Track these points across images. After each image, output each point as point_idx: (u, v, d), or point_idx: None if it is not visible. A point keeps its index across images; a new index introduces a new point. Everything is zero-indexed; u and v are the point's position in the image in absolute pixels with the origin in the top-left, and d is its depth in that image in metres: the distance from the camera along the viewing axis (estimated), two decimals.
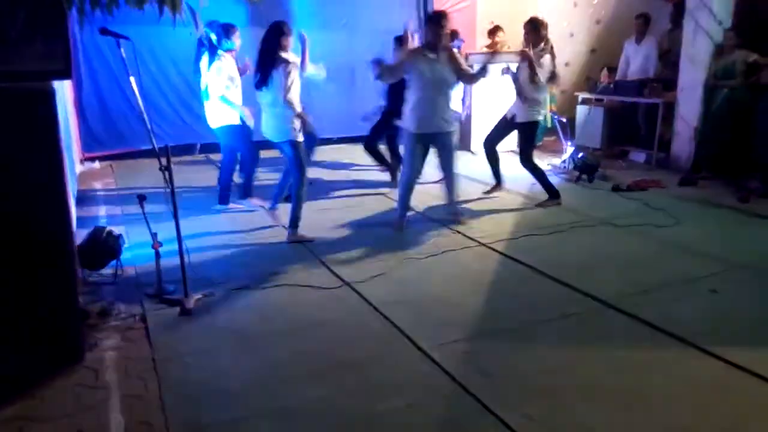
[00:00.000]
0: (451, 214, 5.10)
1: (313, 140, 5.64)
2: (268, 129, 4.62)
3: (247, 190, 5.48)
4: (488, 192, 5.94)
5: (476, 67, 5.00)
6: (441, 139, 4.77)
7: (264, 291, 3.71)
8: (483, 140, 5.92)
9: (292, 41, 4.52)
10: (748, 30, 6.57)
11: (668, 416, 2.45)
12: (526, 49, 5.29)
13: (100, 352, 2.98)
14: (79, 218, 5.05)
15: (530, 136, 5.61)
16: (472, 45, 8.79)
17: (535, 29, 5.33)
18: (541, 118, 5.61)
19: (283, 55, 4.43)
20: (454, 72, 4.67)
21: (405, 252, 4.37)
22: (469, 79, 4.87)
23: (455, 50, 4.83)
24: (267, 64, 4.42)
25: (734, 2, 6.67)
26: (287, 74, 4.37)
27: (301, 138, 4.54)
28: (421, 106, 4.64)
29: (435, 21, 4.67)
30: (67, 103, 6.38)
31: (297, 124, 4.49)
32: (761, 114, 5.98)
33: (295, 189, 4.60)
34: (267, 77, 4.43)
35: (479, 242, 4.57)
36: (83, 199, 5.87)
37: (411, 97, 4.70)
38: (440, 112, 4.67)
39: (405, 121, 4.79)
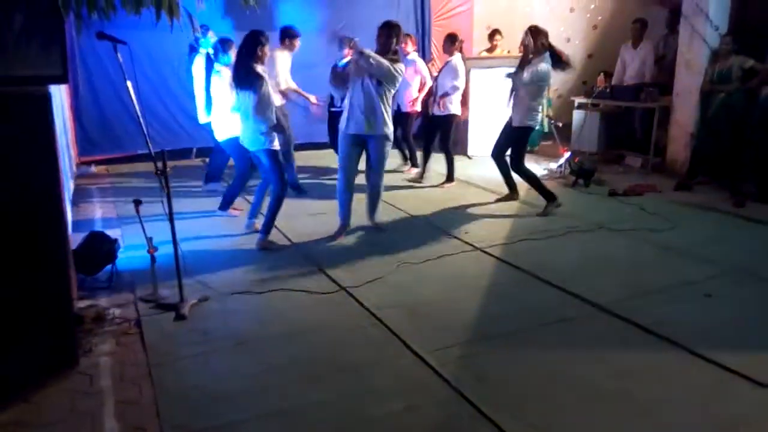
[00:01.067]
0: (373, 225, 5.04)
1: (287, 146, 5.75)
2: (244, 138, 4.61)
3: (227, 202, 5.45)
4: (501, 200, 5.86)
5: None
6: (370, 142, 4.71)
7: (260, 296, 3.71)
8: (491, 151, 5.80)
9: (268, 51, 4.47)
10: (745, 35, 6.61)
11: (663, 420, 2.45)
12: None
13: (94, 357, 2.98)
14: (74, 222, 5.05)
15: (522, 142, 5.61)
16: (469, 50, 8.81)
17: (533, 36, 5.31)
18: (536, 124, 5.60)
19: (258, 68, 4.37)
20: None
21: (401, 257, 4.37)
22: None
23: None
24: (240, 77, 4.40)
25: (730, 8, 6.71)
26: (258, 91, 4.33)
27: (277, 146, 4.51)
28: (352, 108, 4.62)
29: (383, 29, 4.63)
30: (64, 107, 6.38)
31: (272, 132, 4.47)
32: (756, 120, 6.00)
33: (274, 197, 4.58)
34: (240, 90, 4.44)
35: (475, 247, 4.57)
36: (79, 202, 5.86)
37: (347, 99, 4.69)
38: (368, 114, 4.57)
39: (341, 121, 4.77)
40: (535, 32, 5.31)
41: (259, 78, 4.35)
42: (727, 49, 6.31)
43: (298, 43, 6.33)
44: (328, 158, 7.80)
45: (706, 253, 4.37)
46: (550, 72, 5.34)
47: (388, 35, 4.61)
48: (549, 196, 5.56)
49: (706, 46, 6.61)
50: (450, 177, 6.58)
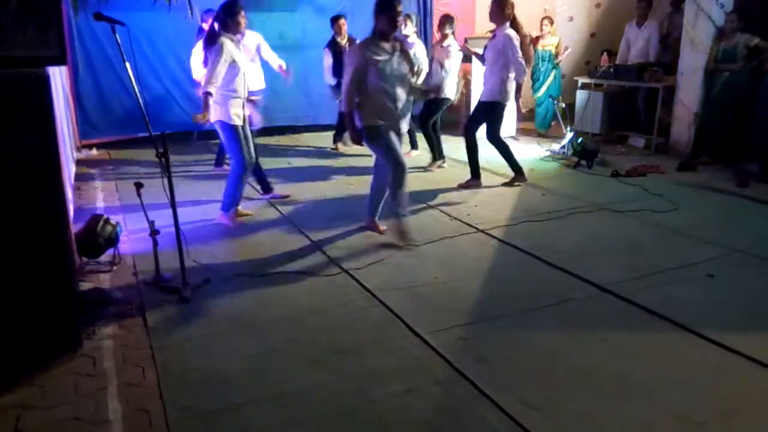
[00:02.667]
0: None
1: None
2: None
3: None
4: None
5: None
6: None
7: (262, 278, 3.71)
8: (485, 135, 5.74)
9: (241, 20, 4.36)
10: (750, 13, 6.51)
11: (665, 401, 2.46)
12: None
13: (97, 340, 2.99)
14: (76, 206, 5.05)
15: (494, 117, 5.59)
16: (472, 30, 8.73)
17: (499, 7, 5.26)
18: (505, 101, 5.50)
19: (222, 36, 4.28)
20: None
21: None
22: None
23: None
24: (206, 44, 4.37)
25: None
26: (213, 56, 4.26)
27: (236, 121, 4.44)
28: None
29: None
30: (65, 89, 6.34)
31: (234, 107, 4.41)
32: (761, 99, 5.94)
33: (231, 174, 4.58)
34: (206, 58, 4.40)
35: (477, 228, 4.57)
36: (81, 186, 5.85)
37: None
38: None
39: None
40: (502, 3, 5.25)
41: (216, 44, 4.25)
42: (732, 27, 6.24)
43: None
44: (328, 139, 7.77)
45: (708, 233, 4.35)
46: (513, 39, 5.23)
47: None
48: (518, 169, 5.67)
49: (711, 24, 6.53)
50: (434, 156, 6.58)
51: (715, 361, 2.75)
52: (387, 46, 4.00)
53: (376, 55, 3.95)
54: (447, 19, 6.39)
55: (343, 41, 6.97)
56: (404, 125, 4.23)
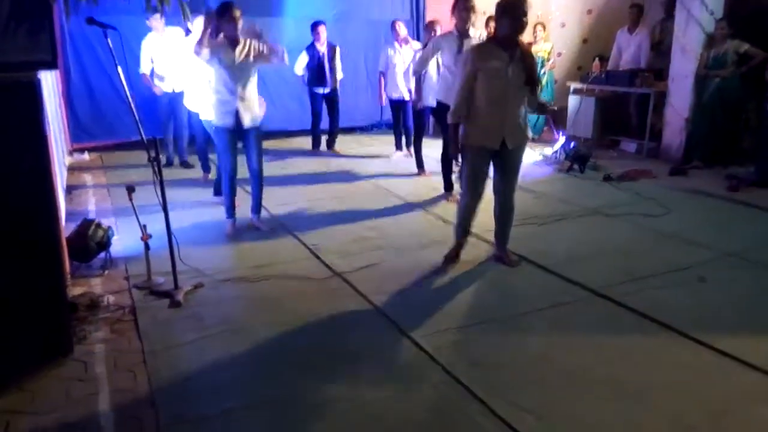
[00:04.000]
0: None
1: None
2: None
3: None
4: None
5: None
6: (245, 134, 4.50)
7: (254, 282, 3.71)
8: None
9: (237, 24, 4.25)
10: (740, 20, 6.58)
11: (656, 403, 2.47)
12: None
13: (89, 344, 2.97)
14: (68, 210, 5.03)
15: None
16: None
17: (465, 9, 4.98)
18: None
19: (216, 40, 4.27)
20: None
21: (397, 243, 4.37)
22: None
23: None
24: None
25: None
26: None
27: (216, 121, 4.42)
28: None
29: None
30: (57, 93, 6.32)
31: (219, 107, 4.38)
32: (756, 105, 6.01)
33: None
34: None
35: (470, 232, 4.56)
36: (73, 190, 5.83)
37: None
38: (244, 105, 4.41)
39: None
40: (469, 5, 4.97)
41: (198, 47, 4.22)
42: (722, 34, 6.30)
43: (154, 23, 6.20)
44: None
45: (700, 237, 4.38)
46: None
47: None
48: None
49: (701, 30, 6.59)
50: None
51: (706, 364, 2.76)
52: (504, 54, 3.57)
53: (490, 62, 3.57)
54: (428, 25, 6.36)
55: (322, 48, 7.13)
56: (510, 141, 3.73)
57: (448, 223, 4.79)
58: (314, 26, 7.12)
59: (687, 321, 3.10)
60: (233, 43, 4.29)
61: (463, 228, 4.00)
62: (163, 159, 6.93)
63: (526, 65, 3.60)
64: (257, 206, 4.72)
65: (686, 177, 6.23)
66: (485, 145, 3.70)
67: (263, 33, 4.47)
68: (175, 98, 6.46)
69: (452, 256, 4.00)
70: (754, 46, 6.16)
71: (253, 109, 4.44)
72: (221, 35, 4.29)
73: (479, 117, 3.68)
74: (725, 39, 6.28)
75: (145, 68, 6.58)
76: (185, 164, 6.83)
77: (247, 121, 4.41)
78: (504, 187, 3.90)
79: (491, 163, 3.83)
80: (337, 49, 7.28)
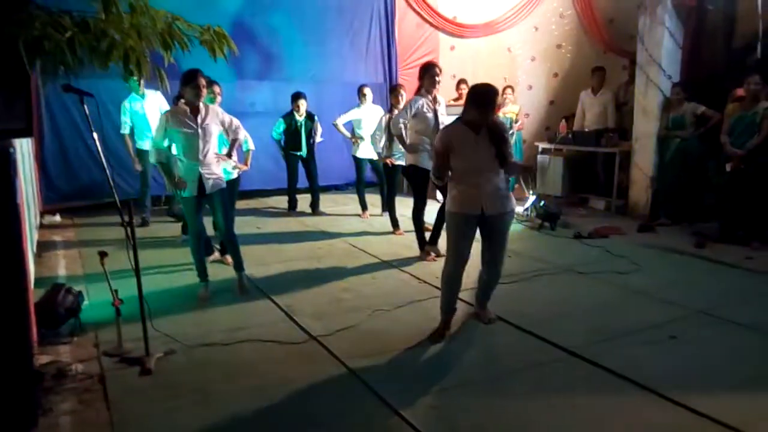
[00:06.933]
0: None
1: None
2: None
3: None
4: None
5: None
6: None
7: (228, 347, 3.64)
8: None
9: (199, 90, 4.25)
10: (696, 83, 6.94)
11: None
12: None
13: (54, 417, 2.86)
14: (38, 274, 4.92)
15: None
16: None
17: (435, 75, 5.32)
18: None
19: (175, 108, 4.36)
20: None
21: (373, 303, 4.36)
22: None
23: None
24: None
25: (681, 58, 7.07)
26: (160, 125, 4.33)
27: (179, 191, 4.41)
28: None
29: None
30: (30, 155, 6.29)
31: (182, 174, 4.37)
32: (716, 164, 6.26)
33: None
34: None
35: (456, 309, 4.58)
36: (43, 253, 5.72)
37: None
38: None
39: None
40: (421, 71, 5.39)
41: (166, 114, 4.35)
42: (677, 98, 6.63)
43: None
44: (300, 203, 7.82)
45: (670, 295, 4.46)
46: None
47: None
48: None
49: (660, 93, 6.92)
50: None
51: (680, 424, 2.77)
52: (472, 133, 3.67)
53: (459, 141, 3.68)
54: (393, 89, 6.57)
55: (301, 118, 7.32)
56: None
57: (423, 283, 4.82)
58: (295, 98, 7.29)
59: (662, 381, 3.12)
60: (195, 110, 4.32)
61: (449, 302, 3.89)
62: (138, 220, 6.90)
63: (495, 138, 3.67)
64: (237, 264, 4.70)
65: (654, 233, 6.40)
66: (466, 213, 3.73)
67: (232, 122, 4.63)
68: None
69: (439, 335, 3.80)
70: (710, 108, 6.48)
71: (215, 174, 4.46)
72: (182, 101, 4.34)
73: (457, 185, 3.77)
74: (682, 102, 6.61)
75: (125, 129, 6.67)
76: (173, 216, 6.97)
77: (210, 188, 4.42)
78: (490, 257, 3.88)
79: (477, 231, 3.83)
80: (316, 118, 7.46)
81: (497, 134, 3.69)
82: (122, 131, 6.75)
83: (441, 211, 5.47)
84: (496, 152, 3.66)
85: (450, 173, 3.77)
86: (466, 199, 3.72)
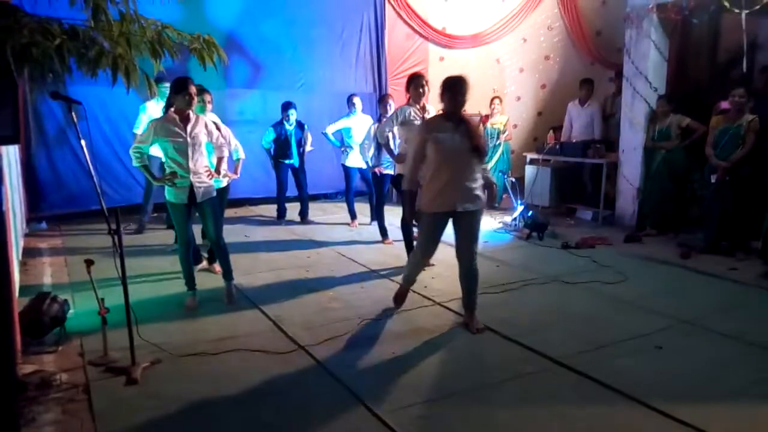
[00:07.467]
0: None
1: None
2: None
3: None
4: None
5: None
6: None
7: (215, 357, 3.62)
8: None
9: (190, 98, 4.26)
10: (682, 96, 7.04)
11: None
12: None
13: (37, 427, 2.83)
14: (23, 282, 4.87)
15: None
16: None
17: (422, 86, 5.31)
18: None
19: (165, 116, 4.32)
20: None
21: (362, 313, 4.35)
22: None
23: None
24: None
25: (667, 71, 7.17)
26: (148, 133, 4.30)
27: (169, 197, 4.41)
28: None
29: None
30: (17, 162, 6.23)
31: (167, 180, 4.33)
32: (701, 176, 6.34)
33: None
34: None
35: (434, 301, 4.60)
36: (29, 261, 5.66)
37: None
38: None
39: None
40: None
41: (154, 122, 4.34)
42: (662, 111, 6.72)
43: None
44: (291, 212, 7.80)
45: (655, 304, 4.50)
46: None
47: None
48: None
49: (647, 105, 7.00)
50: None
51: None
52: (450, 125, 3.94)
53: (438, 132, 3.93)
54: (382, 99, 6.57)
55: (291, 128, 7.32)
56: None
57: (412, 292, 4.81)
58: (285, 107, 7.29)
59: (648, 391, 3.14)
60: (184, 119, 4.32)
61: (411, 280, 4.47)
62: (132, 226, 6.85)
63: (470, 135, 3.94)
64: (226, 273, 4.68)
65: (641, 244, 6.46)
66: (439, 210, 3.99)
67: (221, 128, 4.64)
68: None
69: (400, 299, 4.46)
70: (695, 121, 6.57)
71: (205, 183, 4.45)
72: (171, 109, 4.33)
73: (431, 182, 3.99)
74: (667, 114, 6.69)
75: (138, 129, 6.57)
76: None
77: (200, 197, 4.40)
78: (463, 251, 4.08)
79: (451, 227, 4.10)
80: (306, 127, 7.47)
81: (472, 130, 4.00)
82: (135, 129, 6.61)
83: (405, 223, 5.52)
84: (471, 147, 3.91)
85: (424, 173, 4.02)
86: (441, 197, 3.97)
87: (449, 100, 3.95)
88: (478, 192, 4.01)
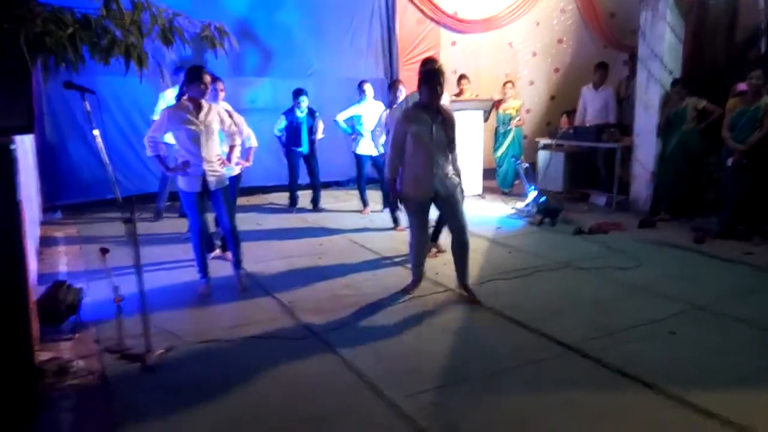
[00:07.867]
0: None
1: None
2: None
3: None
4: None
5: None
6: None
7: (228, 344, 3.65)
8: None
9: (204, 87, 4.25)
10: (698, 78, 6.92)
11: None
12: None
13: (55, 413, 2.88)
14: (40, 271, 4.94)
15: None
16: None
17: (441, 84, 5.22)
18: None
19: (178, 104, 4.34)
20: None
21: (372, 299, 4.37)
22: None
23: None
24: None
25: (683, 53, 7.05)
26: (161, 122, 4.33)
27: (182, 186, 4.41)
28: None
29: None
30: (33, 151, 6.30)
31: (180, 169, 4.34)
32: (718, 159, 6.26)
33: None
34: None
35: (446, 287, 4.60)
36: (45, 250, 5.74)
37: None
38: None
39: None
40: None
41: (165, 111, 4.37)
42: (676, 96, 6.61)
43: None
44: (302, 200, 7.83)
45: (670, 290, 4.47)
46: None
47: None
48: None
49: (662, 88, 6.90)
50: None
51: (682, 421, 2.78)
52: (428, 117, 4.11)
53: (417, 123, 4.12)
54: (392, 85, 6.51)
55: (302, 115, 7.28)
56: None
57: (425, 279, 4.81)
58: (296, 94, 7.25)
59: (661, 377, 3.13)
60: (197, 107, 4.33)
61: (419, 263, 4.52)
62: (151, 214, 6.91)
63: (447, 127, 4.17)
64: (237, 262, 4.70)
65: (655, 229, 6.40)
66: (421, 197, 4.26)
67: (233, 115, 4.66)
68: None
69: (410, 290, 4.51)
70: (712, 103, 6.47)
71: (218, 171, 4.47)
72: (185, 97, 4.33)
73: (412, 171, 4.22)
74: (683, 97, 6.58)
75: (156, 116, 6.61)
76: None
77: (213, 185, 4.42)
78: (453, 226, 4.38)
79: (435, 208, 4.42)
80: (317, 115, 7.44)
81: (449, 123, 4.19)
82: (153, 117, 6.54)
83: None
84: (448, 139, 4.17)
85: (404, 161, 4.22)
86: (421, 185, 4.20)
87: (427, 92, 4.09)
88: (452, 175, 4.27)
